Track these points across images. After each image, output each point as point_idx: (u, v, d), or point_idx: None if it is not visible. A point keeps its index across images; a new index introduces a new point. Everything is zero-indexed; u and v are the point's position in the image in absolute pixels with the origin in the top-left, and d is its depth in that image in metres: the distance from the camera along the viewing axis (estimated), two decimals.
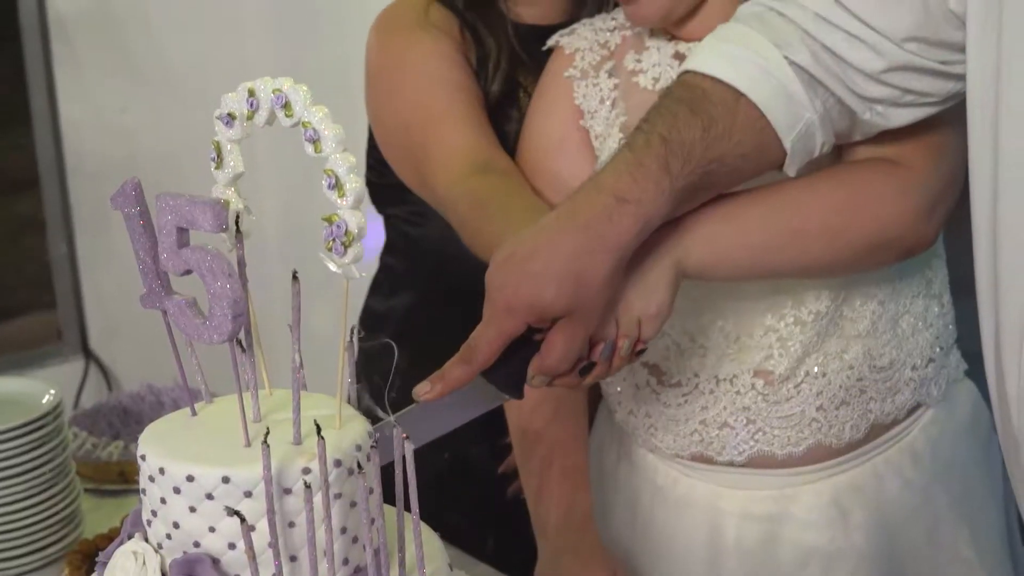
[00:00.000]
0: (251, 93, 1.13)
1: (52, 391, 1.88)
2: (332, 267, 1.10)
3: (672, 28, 1.69)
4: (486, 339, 1.35)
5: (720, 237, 1.46)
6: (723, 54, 1.44)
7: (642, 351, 1.43)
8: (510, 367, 1.36)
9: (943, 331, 1.71)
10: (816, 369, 1.63)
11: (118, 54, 3.65)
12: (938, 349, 1.70)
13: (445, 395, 1.31)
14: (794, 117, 1.43)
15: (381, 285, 2.10)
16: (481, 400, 1.38)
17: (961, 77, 1.36)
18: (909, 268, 1.65)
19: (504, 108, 1.86)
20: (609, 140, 1.68)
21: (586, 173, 1.66)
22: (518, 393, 1.38)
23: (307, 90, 1.10)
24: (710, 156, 1.40)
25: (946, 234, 1.65)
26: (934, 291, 1.70)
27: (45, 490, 1.82)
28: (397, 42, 1.87)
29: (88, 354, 3.79)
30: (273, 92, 1.11)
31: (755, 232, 1.49)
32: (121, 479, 2.07)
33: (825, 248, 1.51)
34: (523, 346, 1.36)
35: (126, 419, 2.18)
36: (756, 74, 1.42)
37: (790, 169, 1.47)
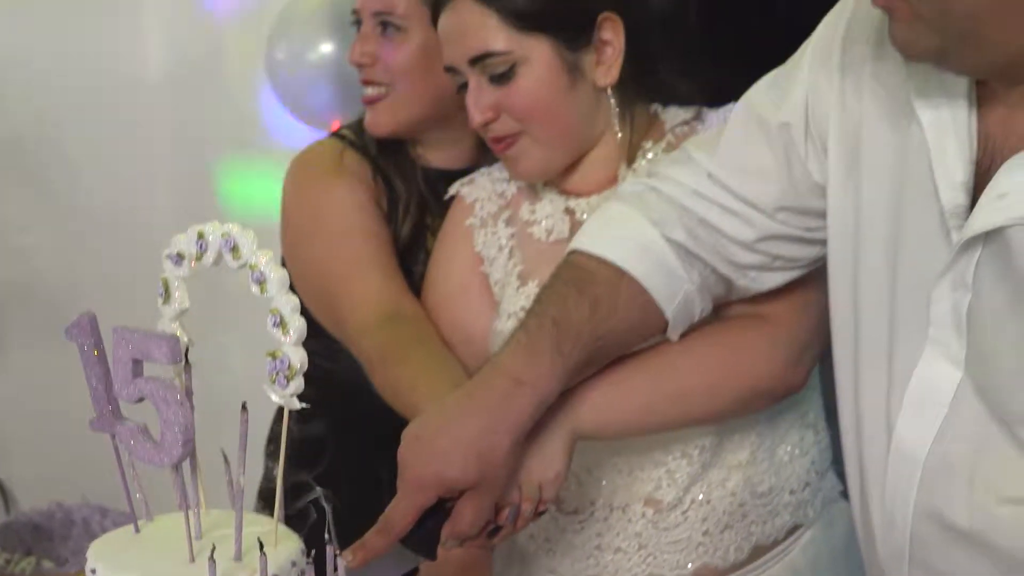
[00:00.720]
0: (200, 236, 1.24)
1: None
2: (275, 398, 1.21)
3: (556, 182, 1.84)
4: (401, 511, 1.47)
5: (609, 404, 1.60)
6: (606, 234, 1.60)
7: (544, 511, 1.57)
8: (424, 533, 1.48)
9: (818, 456, 1.85)
10: (701, 496, 1.76)
11: (23, 173, 3.69)
12: (814, 474, 1.83)
13: (366, 563, 1.42)
14: (673, 290, 1.59)
15: (293, 412, 2.19)
16: (399, 562, 1.50)
17: (824, 242, 1.52)
18: (785, 403, 1.78)
19: (413, 250, 1.99)
20: (508, 288, 1.82)
21: (486, 317, 1.82)
22: (432, 555, 1.51)
23: (254, 235, 1.22)
24: (598, 333, 1.54)
25: (821, 366, 1.78)
26: (809, 421, 1.84)
27: None
28: (313, 188, 1.99)
29: None
30: (222, 236, 1.22)
31: (641, 396, 1.63)
32: None
33: (705, 404, 1.67)
34: (435, 513, 1.48)
35: (37, 536, 2.23)
36: (637, 252, 1.57)
37: (673, 335, 1.62)
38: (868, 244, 1.42)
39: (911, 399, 1.37)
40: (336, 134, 2.09)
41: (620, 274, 1.57)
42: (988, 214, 1.26)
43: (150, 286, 1.31)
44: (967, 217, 1.29)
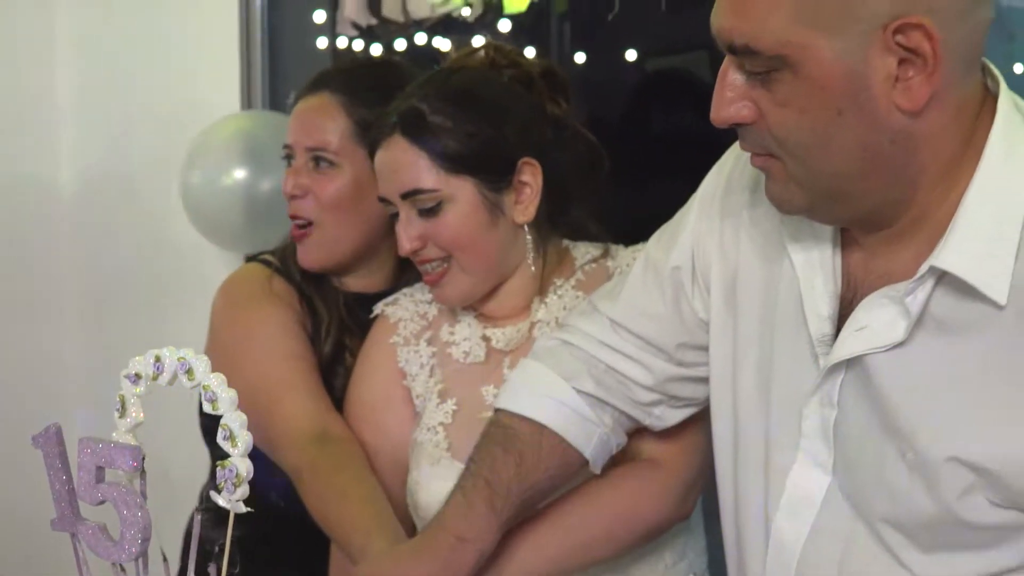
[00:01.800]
0: (157, 359, 1.39)
1: None
2: (222, 502, 1.35)
3: (475, 306, 2.00)
4: None
5: (525, 562, 1.81)
6: (525, 393, 1.79)
7: None
8: None
9: (696, 559, 2.01)
10: None
11: None
12: (692, 574, 2.00)
13: None
14: (589, 434, 1.78)
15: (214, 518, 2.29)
16: None
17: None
18: None
19: (333, 366, 2.13)
20: (429, 403, 1.97)
21: (408, 426, 1.98)
22: None
23: (207, 359, 1.37)
24: (526, 485, 1.75)
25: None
26: (691, 526, 2.00)
27: None
28: (245, 310, 2.13)
29: None
30: (178, 360, 1.37)
31: (552, 551, 1.83)
32: None
33: (607, 549, 1.87)
34: None
35: None
36: (553, 407, 1.77)
37: (595, 470, 1.82)
38: (745, 366, 1.61)
39: (787, 501, 1.55)
40: (262, 260, 2.21)
41: (540, 428, 1.77)
42: (850, 343, 1.46)
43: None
44: (832, 345, 1.48)
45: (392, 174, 1.92)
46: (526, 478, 1.75)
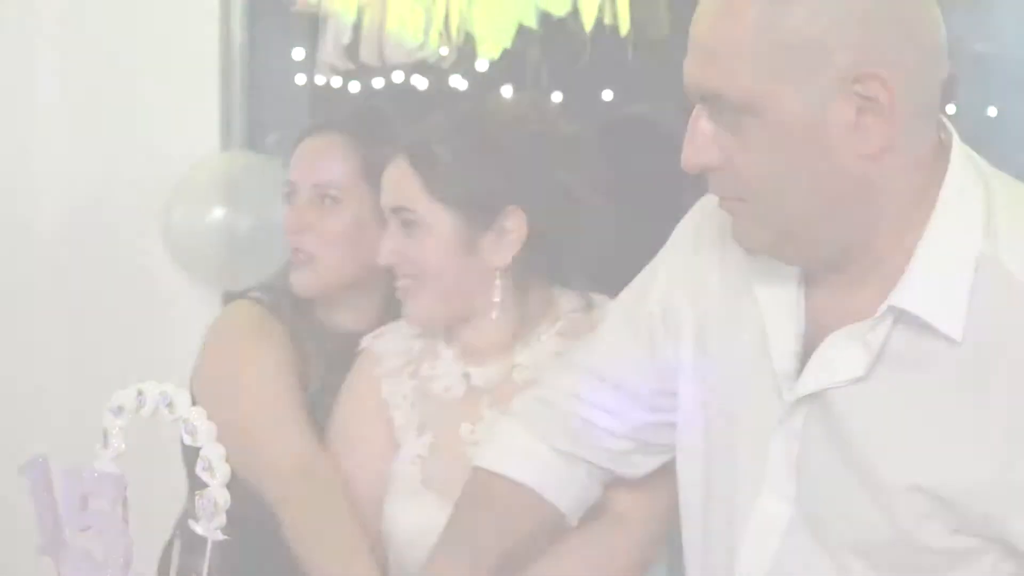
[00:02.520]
0: (140, 392, 1.44)
1: None
2: (200, 531, 1.40)
3: (458, 343, 2.04)
4: None
5: None
6: (501, 452, 1.84)
7: None
8: None
9: None
10: None
11: None
12: None
13: None
14: (565, 489, 1.82)
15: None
16: None
17: None
18: None
19: (319, 403, 2.16)
20: (408, 435, 2.01)
21: (388, 457, 2.02)
22: None
23: (187, 393, 1.42)
24: (506, 543, 1.80)
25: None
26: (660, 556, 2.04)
27: None
28: (238, 347, 2.17)
29: None
30: (160, 394, 1.42)
31: None
32: None
33: None
34: None
35: None
36: (528, 465, 1.81)
37: (572, 522, 1.85)
38: (713, 404, 1.66)
39: (752, 531, 1.59)
40: (252, 298, 2.25)
41: (518, 486, 1.80)
42: (813, 379, 1.52)
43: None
44: (796, 380, 1.54)
45: (388, 188, 2.01)
46: (506, 535, 1.80)
